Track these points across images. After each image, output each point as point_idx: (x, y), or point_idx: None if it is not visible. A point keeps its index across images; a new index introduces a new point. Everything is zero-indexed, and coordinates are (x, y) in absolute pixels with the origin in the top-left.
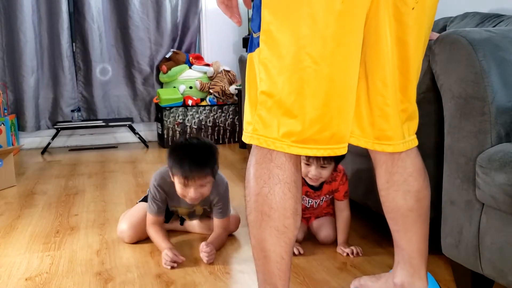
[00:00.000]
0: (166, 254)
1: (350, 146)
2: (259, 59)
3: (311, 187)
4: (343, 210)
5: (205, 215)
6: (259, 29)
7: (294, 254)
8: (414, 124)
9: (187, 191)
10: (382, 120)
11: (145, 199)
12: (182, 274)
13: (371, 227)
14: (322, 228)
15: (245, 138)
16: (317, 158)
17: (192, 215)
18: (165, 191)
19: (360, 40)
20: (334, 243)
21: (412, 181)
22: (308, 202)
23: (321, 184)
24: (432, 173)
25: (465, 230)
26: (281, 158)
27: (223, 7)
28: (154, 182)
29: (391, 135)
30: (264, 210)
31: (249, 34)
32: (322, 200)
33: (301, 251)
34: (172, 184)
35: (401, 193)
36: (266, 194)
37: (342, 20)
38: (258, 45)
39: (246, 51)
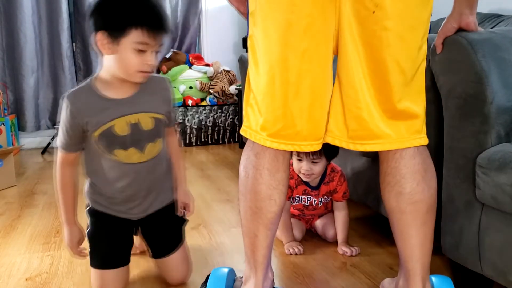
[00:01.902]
0: (73, 243)
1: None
2: (248, 61)
3: (309, 185)
4: (341, 210)
5: (152, 140)
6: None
7: (295, 253)
8: (411, 124)
9: (144, 58)
10: (354, 121)
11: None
12: None
13: (371, 227)
14: (329, 227)
15: (241, 131)
16: (307, 154)
17: (135, 135)
18: (80, 104)
19: (326, 46)
20: (335, 242)
21: (404, 183)
22: (307, 200)
23: (319, 184)
24: None
25: (465, 230)
26: (258, 148)
27: (235, 3)
28: (63, 99)
29: (363, 135)
30: (242, 191)
31: None
32: (321, 202)
33: (301, 251)
34: (90, 90)
35: (393, 195)
36: (244, 177)
37: (299, 28)
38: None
39: (246, 51)
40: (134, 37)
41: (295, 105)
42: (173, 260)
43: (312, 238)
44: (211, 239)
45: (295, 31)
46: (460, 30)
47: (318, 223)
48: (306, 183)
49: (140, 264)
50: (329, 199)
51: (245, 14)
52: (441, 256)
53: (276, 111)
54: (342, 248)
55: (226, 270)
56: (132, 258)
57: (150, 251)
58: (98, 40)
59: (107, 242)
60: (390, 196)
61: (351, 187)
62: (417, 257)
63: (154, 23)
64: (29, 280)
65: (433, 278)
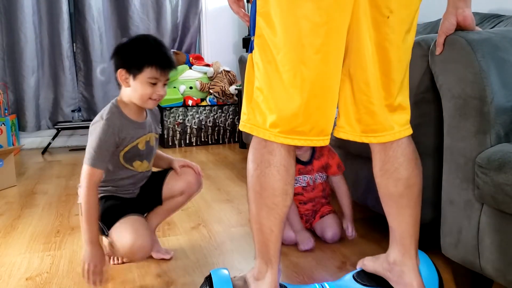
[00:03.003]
0: (95, 264)
1: (350, 148)
2: (254, 60)
3: (302, 162)
4: (340, 185)
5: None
6: (254, 34)
7: (310, 248)
8: (403, 116)
9: (155, 89)
10: (368, 116)
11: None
12: (182, 273)
13: (371, 227)
14: (328, 228)
15: (240, 126)
16: None
17: (148, 150)
18: (118, 125)
19: (341, 48)
20: (337, 241)
21: (402, 169)
22: (304, 180)
23: (311, 159)
24: (432, 173)
25: (465, 230)
26: (272, 145)
27: (235, 7)
28: (102, 118)
29: (376, 128)
30: (256, 189)
31: (249, 35)
32: (317, 179)
33: (313, 244)
34: (122, 114)
35: (392, 181)
36: (258, 176)
37: (320, 31)
38: (254, 47)
39: (246, 51)
40: (148, 73)
41: (314, 103)
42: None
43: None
44: (211, 239)
45: (318, 33)
46: (459, 28)
47: (318, 224)
48: (298, 161)
49: (140, 264)
50: (325, 176)
51: (245, 17)
52: (441, 256)
53: (295, 109)
54: (348, 224)
55: (225, 270)
56: None
57: (160, 195)
58: (120, 75)
59: (121, 202)
60: (389, 182)
61: (351, 187)
62: (411, 234)
63: (164, 62)
64: (30, 280)
65: None
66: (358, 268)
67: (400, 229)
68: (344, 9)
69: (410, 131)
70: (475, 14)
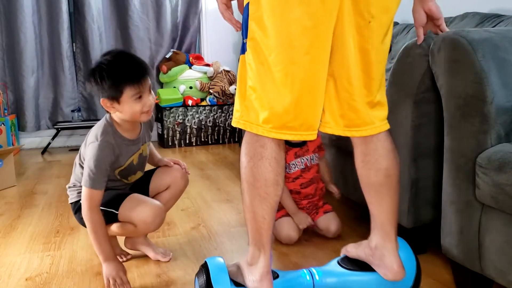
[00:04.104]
0: (119, 276)
1: (347, 148)
2: (247, 60)
3: (296, 145)
4: (322, 160)
5: (144, 164)
6: (246, 36)
7: (308, 224)
8: (382, 112)
9: (143, 102)
10: (350, 112)
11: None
12: (182, 273)
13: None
14: (332, 222)
15: (233, 123)
16: None
17: (141, 162)
18: (113, 144)
19: (327, 49)
20: (335, 239)
21: (382, 160)
22: (302, 162)
23: (304, 141)
24: (432, 173)
25: (465, 230)
26: (264, 139)
27: (227, 15)
28: (97, 139)
29: (358, 123)
30: (250, 180)
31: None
32: (313, 159)
33: (312, 222)
34: (116, 133)
35: (373, 171)
36: (251, 168)
37: (310, 34)
38: (246, 49)
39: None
40: (129, 92)
41: (304, 100)
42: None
43: (312, 238)
44: (211, 239)
45: (308, 36)
46: (429, 19)
47: (321, 220)
48: (293, 144)
49: (140, 264)
50: (317, 156)
51: (237, 24)
52: (441, 256)
53: (286, 106)
54: (332, 186)
55: (220, 258)
56: (132, 258)
57: (147, 190)
58: (105, 105)
59: (118, 190)
60: (370, 172)
61: (350, 187)
62: (391, 220)
63: (138, 74)
64: (29, 280)
65: None
66: (342, 254)
67: (381, 216)
68: (330, 14)
69: (388, 126)
70: (475, 14)
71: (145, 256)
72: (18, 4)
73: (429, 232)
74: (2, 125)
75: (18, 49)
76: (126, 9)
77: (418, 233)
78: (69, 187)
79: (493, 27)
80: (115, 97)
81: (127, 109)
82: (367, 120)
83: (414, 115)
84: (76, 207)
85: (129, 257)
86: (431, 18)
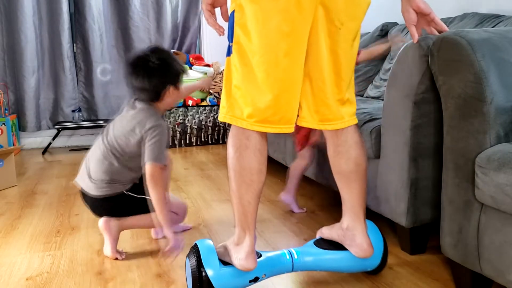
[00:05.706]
0: (182, 246)
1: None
2: (232, 62)
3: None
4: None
5: None
6: (232, 40)
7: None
8: (351, 109)
9: (180, 93)
10: (324, 108)
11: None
12: (182, 273)
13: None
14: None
15: (220, 118)
16: None
17: None
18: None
19: (303, 52)
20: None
21: (351, 151)
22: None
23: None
24: (432, 173)
25: (464, 230)
26: (248, 132)
27: (211, 21)
28: (160, 123)
29: (331, 118)
30: (236, 169)
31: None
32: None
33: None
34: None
35: (344, 160)
36: (238, 158)
37: (288, 39)
38: (232, 52)
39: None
40: (181, 80)
41: (284, 97)
42: None
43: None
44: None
45: (286, 40)
46: (419, 16)
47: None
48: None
49: (140, 264)
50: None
51: (220, 29)
52: (441, 256)
53: (267, 102)
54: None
55: (210, 241)
56: (132, 258)
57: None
58: (170, 92)
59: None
60: (341, 161)
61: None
62: (360, 203)
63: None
64: (30, 279)
65: None
66: (318, 236)
67: (351, 199)
68: (306, 21)
69: (356, 120)
70: (474, 14)
71: (145, 256)
72: (18, 5)
73: (428, 232)
74: (3, 125)
75: (19, 49)
76: (127, 9)
77: (417, 233)
78: (105, 181)
79: (492, 27)
80: (177, 84)
81: (176, 95)
82: (337, 115)
83: (413, 115)
84: (113, 199)
85: (123, 256)
86: (421, 15)
